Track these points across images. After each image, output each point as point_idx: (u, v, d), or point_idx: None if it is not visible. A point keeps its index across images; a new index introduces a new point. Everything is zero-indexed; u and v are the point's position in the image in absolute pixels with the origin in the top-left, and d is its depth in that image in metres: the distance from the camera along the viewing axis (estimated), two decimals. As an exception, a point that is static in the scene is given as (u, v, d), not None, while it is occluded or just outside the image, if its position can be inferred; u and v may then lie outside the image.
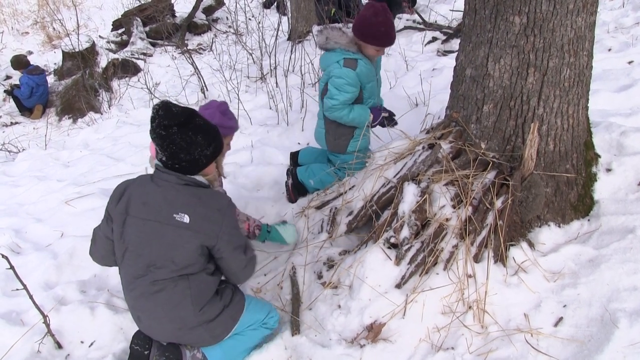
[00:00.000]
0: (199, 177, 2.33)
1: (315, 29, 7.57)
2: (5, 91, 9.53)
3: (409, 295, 2.43)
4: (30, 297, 2.64)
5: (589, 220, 2.84)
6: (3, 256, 2.55)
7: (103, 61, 9.71)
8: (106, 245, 2.42)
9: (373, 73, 3.47)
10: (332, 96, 3.35)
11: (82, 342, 2.79)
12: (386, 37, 3.29)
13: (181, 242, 2.22)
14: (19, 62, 9.25)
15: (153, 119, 2.18)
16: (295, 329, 2.55)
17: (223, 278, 2.50)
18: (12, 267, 2.57)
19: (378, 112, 3.53)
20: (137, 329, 2.47)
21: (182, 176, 2.28)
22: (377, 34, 3.24)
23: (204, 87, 7.10)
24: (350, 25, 3.42)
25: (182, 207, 2.22)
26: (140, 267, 2.26)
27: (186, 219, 2.21)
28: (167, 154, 2.21)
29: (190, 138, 2.20)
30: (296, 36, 7.74)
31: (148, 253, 2.25)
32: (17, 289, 2.67)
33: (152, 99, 7.54)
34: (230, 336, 2.46)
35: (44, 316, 2.67)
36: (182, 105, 2.27)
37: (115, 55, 9.77)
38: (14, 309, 3.06)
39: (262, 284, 3.00)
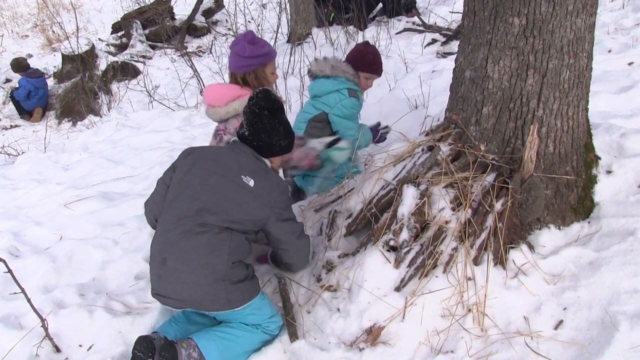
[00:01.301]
0: (267, 161, 2.63)
1: (315, 30, 7.59)
2: (11, 91, 9.54)
3: (408, 298, 2.41)
4: (29, 300, 2.63)
5: (589, 222, 2.82)
6: (1, 259, 2.54)
7: (102, 64, 9.72)
8: (162, 190, 2.60)
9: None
10: (349, 128, 3.51)
11: (80, 345, 2.78)
12: (375, 65, 3.59)
13: (240, 201, 2.43)
14: (18, 64, 9.28)
15: (252, 98, 2.53)
16: (293, 336, 2.54)
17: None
18: (10, 271, 2.56)
19: (376, 131, 3.78)
20: (138, 334, 2.46)
21: (257, 155, 2.58)
22: (368, 61, 3.54)
23: (204, 90, 7.10)
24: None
25: (250, 173, 2.49)
26: (192, 208, 2.40)
27: (251, 182, 2.46)
28: (252, 129, 2.54)
29: (275, 124, 2.55)
30: (295, 38, 7.75)
31: (206, 200, 2.42)
32: (15, 293, 2.66)
33: (151, 102, 7.55)
34: (227, 338, 2.45)
35: (42, 320, 2.66)
36: (277, 97, 2.60)
37: (115, 58, 9.78)
38: (12, 313, 3.04)
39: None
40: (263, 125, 2.52)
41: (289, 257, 2.69)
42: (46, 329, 2.68)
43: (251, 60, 2.84)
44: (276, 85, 3.09)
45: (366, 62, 3.55)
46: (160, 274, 2.40)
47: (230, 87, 2.96)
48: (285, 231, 2.56)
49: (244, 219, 2.42)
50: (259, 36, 7.14)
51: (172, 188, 2.53)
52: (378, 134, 3.77)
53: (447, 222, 2.58)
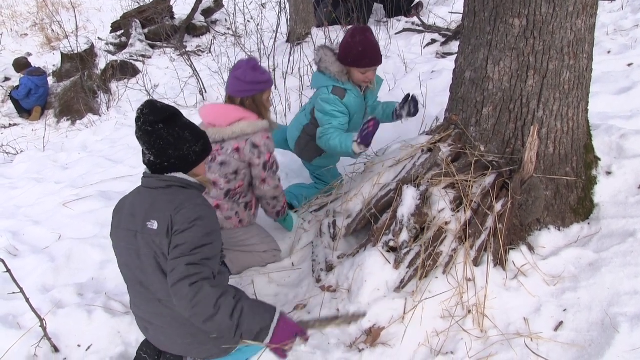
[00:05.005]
0: (189, 177, 2.20)
1: (314, 30, 7.59)
2: (10, 90, 9.54)
3: (408, 299, 2.41)
4: (27, 300, 2.62)
5: (589, 223, 2.82)
6: (-1, 259, 2.53)
7: (102, 63, 9.70)
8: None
9: (362, 107, 3.38)
10: (326, 123, 3.22)
11: (79, 345, 2.77)
12: (364, 57, 3.14)
13: (149, 253, 2.09)
14: (18, 64, 9.33)
15: (138, 119, 2.09)
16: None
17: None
18: (8, 270, 2.55)
19: (366, 136, 3.00)
20: (136, 333, 2.45)
21: (162, 176, 2.15)
22: (355, 54, 3.14)
23: (203, 89, 7.09)
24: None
25: (155, 213, 2.09)
26: (135, 283, 2.18)
27: (155, 225, 2.07)
28: (155, 151, 2.11)
29: (177, 133, 2.12)
30: (295, 38, 7.73)
31: (134, 268, 2.17)
32: (14, 292, 2.65)
33: (150, 101, 7.52)
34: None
35: (41, 320, 2.65)
36: (166, 103, 2.18)
37: (114, 57, 9.76)
38: (11, 312, 3.03)
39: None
40: (165, 140, 2.09)
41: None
42: (45, 329, 2.67)
43: (252, 86, 2.83)
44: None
45: (355, 56, 3.14)
46: (149, 337, 2.34)
47: (234, 107, 2.88)
48: (170, 265, 1.98)
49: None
50: (259, 37, 7.15)
51: (116, 254, 2.31)
52: (367, 139, 3.02)
53: (447, 223, 2.58)
